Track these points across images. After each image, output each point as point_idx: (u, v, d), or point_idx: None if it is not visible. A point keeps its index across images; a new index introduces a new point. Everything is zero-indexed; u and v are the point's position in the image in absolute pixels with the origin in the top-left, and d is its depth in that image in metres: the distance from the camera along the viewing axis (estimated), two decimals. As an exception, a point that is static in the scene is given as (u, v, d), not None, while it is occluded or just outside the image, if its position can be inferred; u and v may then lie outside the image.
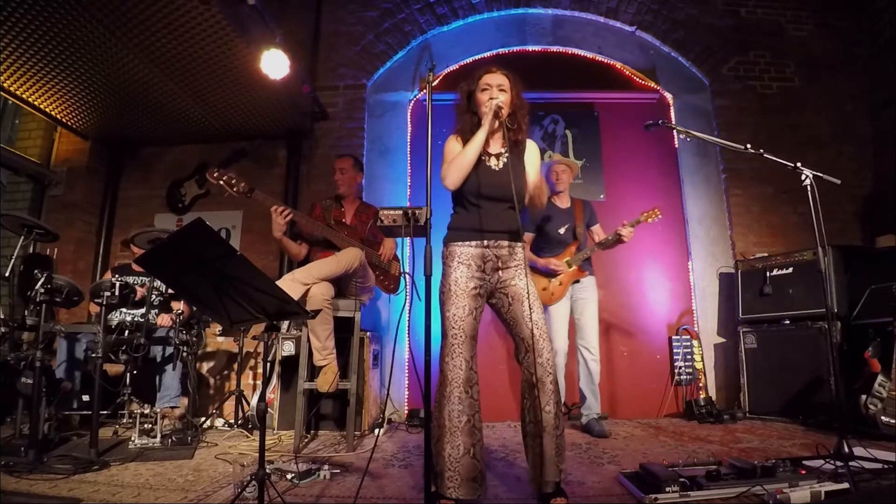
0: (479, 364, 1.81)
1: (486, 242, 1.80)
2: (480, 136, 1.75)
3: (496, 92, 1.80)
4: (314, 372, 2.70)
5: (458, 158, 1.77)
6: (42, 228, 2.74)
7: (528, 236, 3.13)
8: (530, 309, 1.75)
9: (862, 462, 1.86)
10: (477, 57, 4.25)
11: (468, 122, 1.85)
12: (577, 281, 3.13)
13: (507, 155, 1.83)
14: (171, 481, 1.99)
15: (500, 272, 1.81)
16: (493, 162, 1.86)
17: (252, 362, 3.79)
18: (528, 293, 1.77)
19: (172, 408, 3.08)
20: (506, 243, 1.82)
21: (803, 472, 1.74)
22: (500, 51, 4.24)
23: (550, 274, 3.07)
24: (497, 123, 1.81)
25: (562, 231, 3.14)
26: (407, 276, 3.12)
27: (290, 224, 2.96)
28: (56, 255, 3.31)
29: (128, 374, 2.69)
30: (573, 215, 3.20)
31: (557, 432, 1.69)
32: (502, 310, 1.83)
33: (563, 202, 3.23)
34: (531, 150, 1.94)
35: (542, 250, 3.16)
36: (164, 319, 3.18)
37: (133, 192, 4.18)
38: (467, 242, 1.81)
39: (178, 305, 3.18)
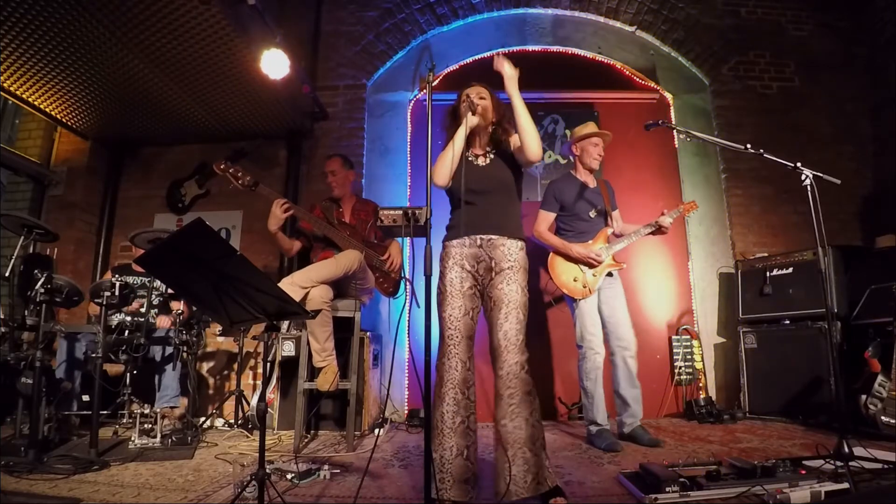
0: (477, 364, 1.80)
1: (479, 241, 1.81)
2: (461, 132, 1.84)
3: (476, 98, 1.91)
4: (314, 372, 2.70)
5: (442, 154, 1.87)
6: (42, 228, 2.74)
7: (548, 215, 2.85)
8: (505, 317, 1.72)
9: (862, 462, 1.86)
10: (477, 57, 4.26)
11: (453, 132, 1.90)
12: (610, 273, 2.79)
13: (493, 153, 1.95)
14: (171, 481, 1.99)
15: (492, 274, 1.80)
16: (479, 161, 1.93)
17: (252, 362, 3.79)
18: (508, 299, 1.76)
19: (172, 408, 3.08)
20: (501, 240, 1.82)
21: (803, 472, 1.74)
22: (500, 51, 4.22)
23: (584, 264, 2.74)
24: (477, 121, 1.87)
25: (592, 214, 2.81)
26: (407, 282, 3.12)
27: (292, 221, 2.96)
28: (56, 255, 3.31)
29: (128, 374, 2.69)
30: (601, 196, 2.87)
31: (529, 445, 1.62)
32: (486, 312, 1.83)
33: (591, 181, 2.88)
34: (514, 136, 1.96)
35: (565, 233, 2.85)
36: (164, 321, 3.18)
37: (133, 192, 4.18)
38: (461, 240, 1.84)
39: (178, 305, 3.18)
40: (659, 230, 2.84)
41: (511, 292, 1.76)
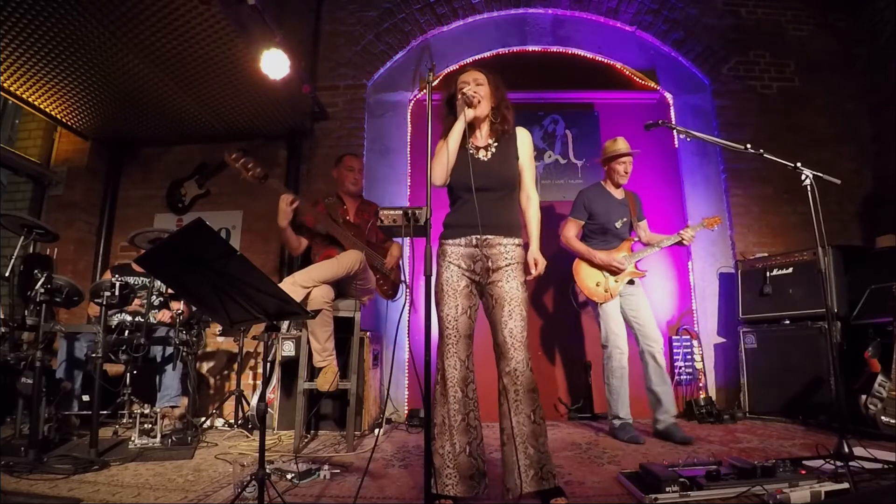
0: (479, 364, 1.80)
1: (475, 240, 1.79)
2: (458, 126, 1.79)
3: (473, 86, 1.84)
4: (314, 372, 2.70)
5: (439, 152, 1.81)
6: (42, 228, 2.74)
7: (576, 223, 3.00)
8: (509, 315, 1.73)
9: (862, 462, 1.86)
10: (477, 57, 4.25)
11: (450, 123, 1.86)
12: (632, 281, 2.95)
13: (495, 145, 1.88)
14: (171, 481, 1.99)
15: (490, 272, 1.78)
16: (481, 154, 1.87)
17: (252, 362, 3.79)
18: (510, 297, 1.75)
19: (172, 407, 3.09)
20: (497, 240, 1.79)
21: (803, 472, 1.74)
22: (500, 51, 4.23)
23: (607, 270, 2.90)
24: (473, 114, 1.82)
25: (619, 225, 2.96)
26: (404, 286, 3.13)
27: (294, 216, 2.93)
28: (56, 255, 3.32)
29: (128, 374, 2.69)
30: (628, 207, 3.02)
31: (531, 441, 1.65)
32: (487, 310, 1.82)
33: (618, 192, 3.04)
34: (522, 138, 1.93)
35: (591, 240, 2.99)
36: (164, 315, 3.17)
37: (133, 192, 4.18)
38: (457, 240, 1.81)
39: (178, 305, 3.18)
40: (679, 243, 2.98)
41: (512, 290, 1.75)
